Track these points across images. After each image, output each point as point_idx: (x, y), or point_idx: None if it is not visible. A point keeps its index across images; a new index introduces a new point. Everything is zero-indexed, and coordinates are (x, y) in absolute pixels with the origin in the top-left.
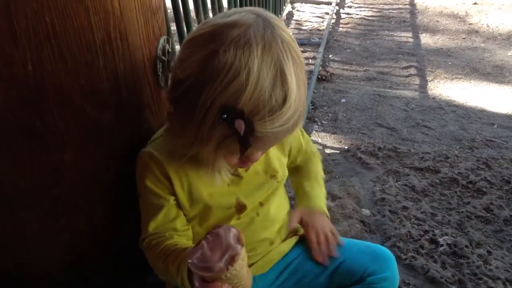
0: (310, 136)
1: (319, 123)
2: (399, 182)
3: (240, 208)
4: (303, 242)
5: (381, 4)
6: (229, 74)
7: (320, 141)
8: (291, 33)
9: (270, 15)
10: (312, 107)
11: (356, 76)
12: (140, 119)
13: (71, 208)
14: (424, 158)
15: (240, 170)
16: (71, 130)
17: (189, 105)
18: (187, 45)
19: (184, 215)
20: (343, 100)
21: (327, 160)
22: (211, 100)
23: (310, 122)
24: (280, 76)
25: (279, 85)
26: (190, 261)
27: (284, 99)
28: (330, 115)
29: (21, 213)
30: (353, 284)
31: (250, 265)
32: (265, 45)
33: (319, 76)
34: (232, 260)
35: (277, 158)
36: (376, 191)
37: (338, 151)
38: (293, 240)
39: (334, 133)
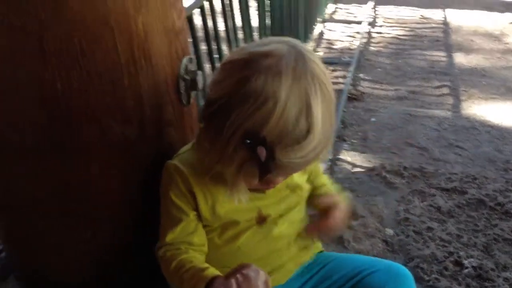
0: (339, 155)
1: (348, 142)
2: (424, 203)
3: (261, 220)
4: (322, 254)
5: (414, 23)
6: (258, 100)
7: (349, 159)
8: (324, 68)
9: (304, 47)
10: (342, 126)
11: (387, 95)
12: (163, 135)
13: (97, 221)
14: (451, 178)
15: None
16: (97, 145)
17: (218, 125)
18: (222, 68)
19: (205, 226)
20: (373, 119)
21: (351, 179)
22: (238, 124)
23: (340, 141)
24: (306, 109)
25: (304, 117)
26: None
27: (308, 132)
28: (360, 134)
29: (53, 224)
30: None
31: None
32: (295, 76)
33: (349, 95)
34: None
35: (298, 174)
36: (400, 210)
37: (363, 170)
38: (311, 251)
39: (364, 152)
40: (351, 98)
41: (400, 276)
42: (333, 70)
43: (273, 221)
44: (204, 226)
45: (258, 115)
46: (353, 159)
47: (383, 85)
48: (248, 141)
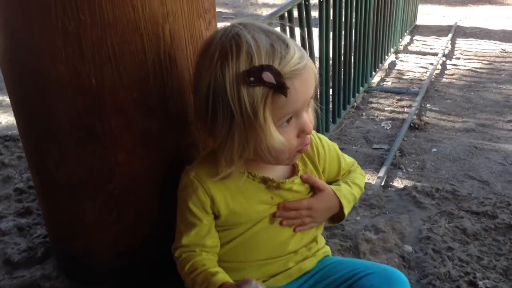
0: (393, 182)
1: (404, 170)
2: (450, 224)
3: (274, 219)
4: (325, 258)
5: (493, 57)
6: (233, 51)
7: (405, 185)
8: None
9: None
10: (400, 154)
11: (453, 126)
12: (185, 132)
13: (122, 203)
14: (483, 203)
15: (284, 185)
16: (124, 135)
17: (223, 102)
18: (194, 72)
19: (219, 226)
20: (434, 150)
21: (379, 196)
22: (234, 78)
23: (395, 169)
24: (271, 32)
25: (275, 38)
26: None
27: (286, 45)
28: (417, 163)
29: (84, 203)
30: None
31: (270, 277)
32: (247, 23)
33: (411, 124)
34: None
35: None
36: (423, 229)
37: (393, 189)
38: (317, 259)
39: (419, 181)
40: (413, 128)
41: (394, 279)
42: (399, 100)
43: None
44: (218, 226)
45: (243, 58)
46: (409, 185)
47: (450, 117)
48: (252, 79)
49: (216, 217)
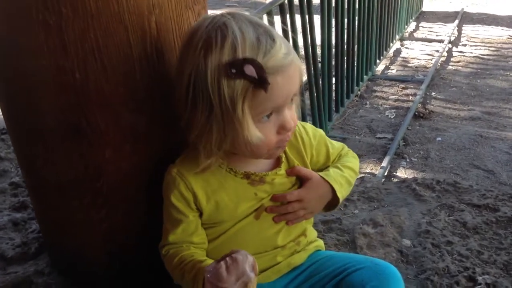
0: (396, 172)
1: (407, 160)
2: (450, 217)
3: (259, 214)
4: (316, 253)
5: (500, 43)
6: (218, 41)
7: (404, 177)
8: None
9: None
10: (404, 143)
11: (459, 115)
12: (174, 128)
13: (110, 201)
14: (485, 195)
15: (267, 178)
16: (110, 131)
17: (203, 92)
18: (178, 59)
19: (205, 223)
20: (439, 139)
21: (379, 189)
22: (216, 68)
23: (398, 158)
24: (259, 26)
25: (262, 32)
26: (208, 276)
27: (273, 40)
28: (421, 152)
29: (72, 201)
30: None
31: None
32: (235, 14)
33: (416, 113)
34: (245, 286)
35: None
36: (423, 223)
37: (393, 182)
38: (307, 253)
39: (423, 171)
40: (418, 116)
41: (386, 274)
42: (404, 88)
43: (271, 216)
44: (203, 224)
45: (227, 49)
46: (410, 177)
47: (456, 105)
48: (234, 70)
49: (200, 214)
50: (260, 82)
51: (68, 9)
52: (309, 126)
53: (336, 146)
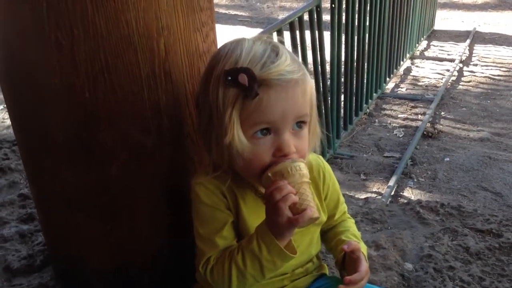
0: (403, 192)
1: (415, 180)
2: (453, 242)
3: None
4: (322, 278)
5: None
6: (227, 55)
7: (412, 198)
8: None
9: None
10: (411, 163)
11: (468, 135)
12: (181, 146)
13: (116, 216)
14: (489, 220)
15: None
16: (118, 148)
17: (205, 97)
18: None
19: None
20: (447, 159)
21: (383, 211)
22: (217, 77)
23: (406, 178)
24: (271, 45)
25: (271, 49)
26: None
27: (277, 55)
28: (429, 172)
29: (78, 215)
30: None
31: None
32: (257, 37)
33: (424, 133)
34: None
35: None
36: (425, 246)
37: (397, 204)
38: (312, 278)
39: (430, 192)
40: (426, 136)
41: None
42: (413, 107)
43: None
44: None
45: (230, 60)
46: (417, 198)
47: (465, 125)
48: (230, 78)
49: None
50: (248, 90)
51: (79, 30)
52: (328, 166)
53: (342, 200)
